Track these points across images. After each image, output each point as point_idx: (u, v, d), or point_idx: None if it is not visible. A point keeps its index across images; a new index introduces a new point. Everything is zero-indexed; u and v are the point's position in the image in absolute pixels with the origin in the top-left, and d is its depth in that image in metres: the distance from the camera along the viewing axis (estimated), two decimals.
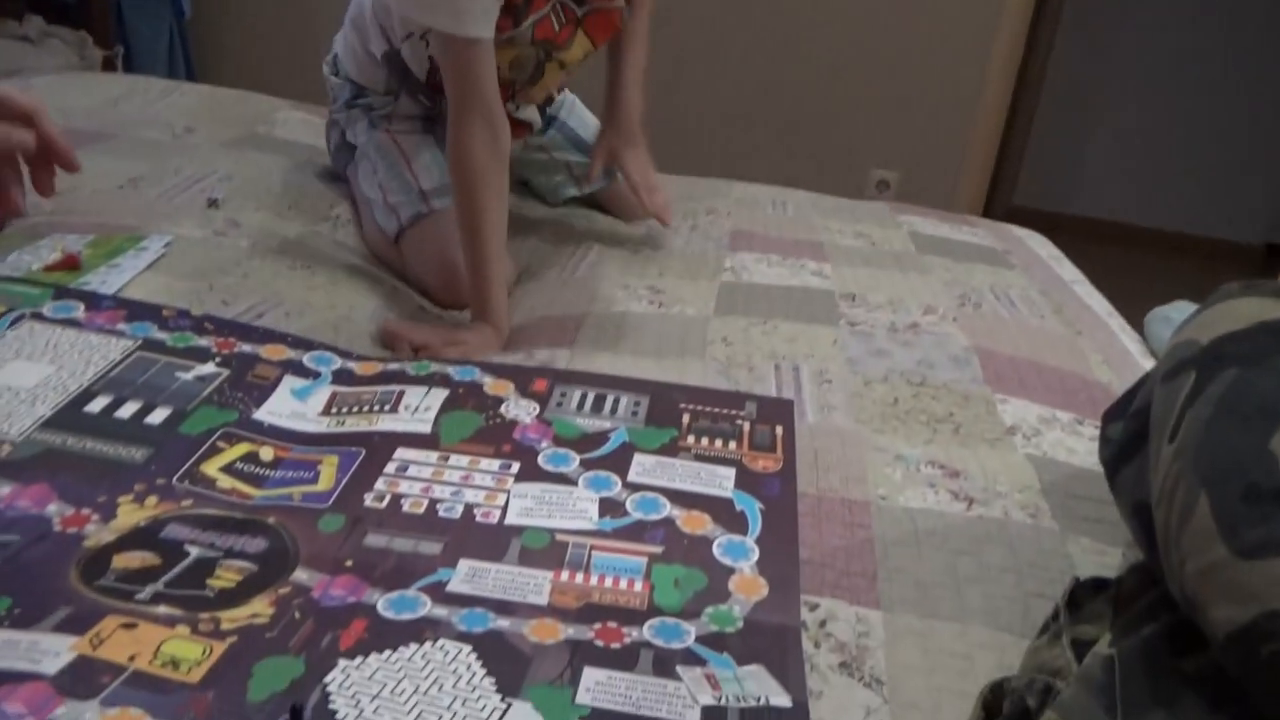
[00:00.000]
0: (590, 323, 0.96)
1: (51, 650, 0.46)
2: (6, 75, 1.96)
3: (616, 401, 0.76)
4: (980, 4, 2.57)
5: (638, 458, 0.69)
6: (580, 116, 1.34)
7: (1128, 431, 0.61)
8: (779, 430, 0.74)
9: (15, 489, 0.59)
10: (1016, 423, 0.84)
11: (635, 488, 0.66)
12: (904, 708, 0.53)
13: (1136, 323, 1.22)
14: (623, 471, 0.67)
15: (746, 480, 0.68)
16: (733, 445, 0.72)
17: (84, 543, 0.55)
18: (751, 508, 0.65)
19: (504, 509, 0.63)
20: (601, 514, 0.63)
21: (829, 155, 2.72)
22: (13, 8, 2.51)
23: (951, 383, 0.90)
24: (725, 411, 0.76)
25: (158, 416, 0.67)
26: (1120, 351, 1.06)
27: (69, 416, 0.66)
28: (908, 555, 0.65)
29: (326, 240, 1.13)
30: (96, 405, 0.67)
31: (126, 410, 0.67)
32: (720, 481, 0.67)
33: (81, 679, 0.46)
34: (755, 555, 0.61)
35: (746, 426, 0.74)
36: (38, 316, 0.76)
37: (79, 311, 0.78)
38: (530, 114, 1.24)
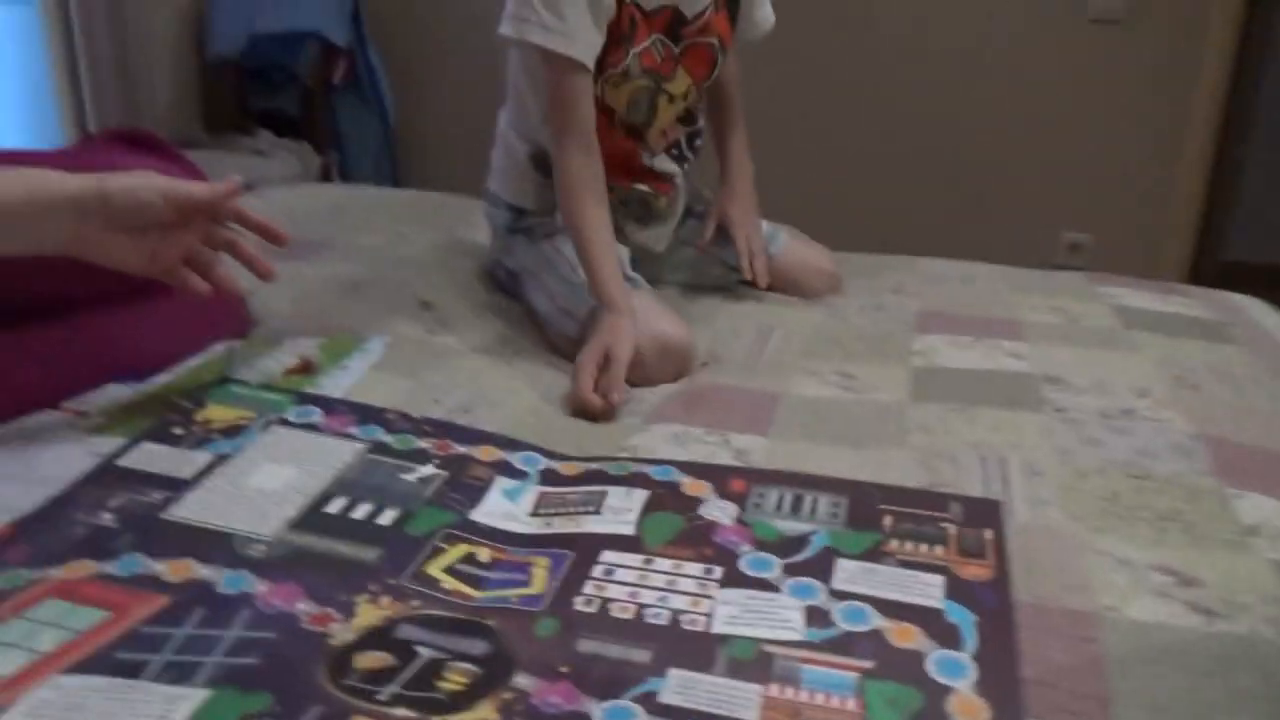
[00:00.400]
0: (784, 408, 0.96)
1: None
2: (245, 187, 2.21)
3: (815, 502, 0.75)
4: (1177, 43, 2.43)
5: (840, 563, 0.68)
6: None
7: None
8: (988, 534, 0.71)
9: (269, 587, 0.65)
10: (1257, 521, 0.77)
11: (840, 596, 0.65)
12: None
13: None
14: (826, 578, 0.67)
15: (957, 589, 0.65)
16: (939, 550, 0.69)
17: (329, 641, 0.60)
18: (965, 620, 0.62)
19: (710, 616, 0.63)
20: (808, 624, 0.62)
21: (1015, 218, 2.61)
22: (246, 124, 2.84)
23: (1176, 475, 0.83)
24: (929, 514, 0.74)
25: (387, 517, 0.73)
26: None
27: (312, 518, 0.72)
28: (1144, 676, 0.60)
29: (520, 339, 1.20)
30: (334, 506, 0.74)
31: (360, 511, 0.73)
32: (929, 590, 0.65)
33: None
34: (973, 674, 0.58)
35: (953, 530, 0.72)
36: (283, 422, 0.85)
37: (317, 416, 0.86)
38: (666, 165, 1.28)
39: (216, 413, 0.85)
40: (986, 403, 0.97)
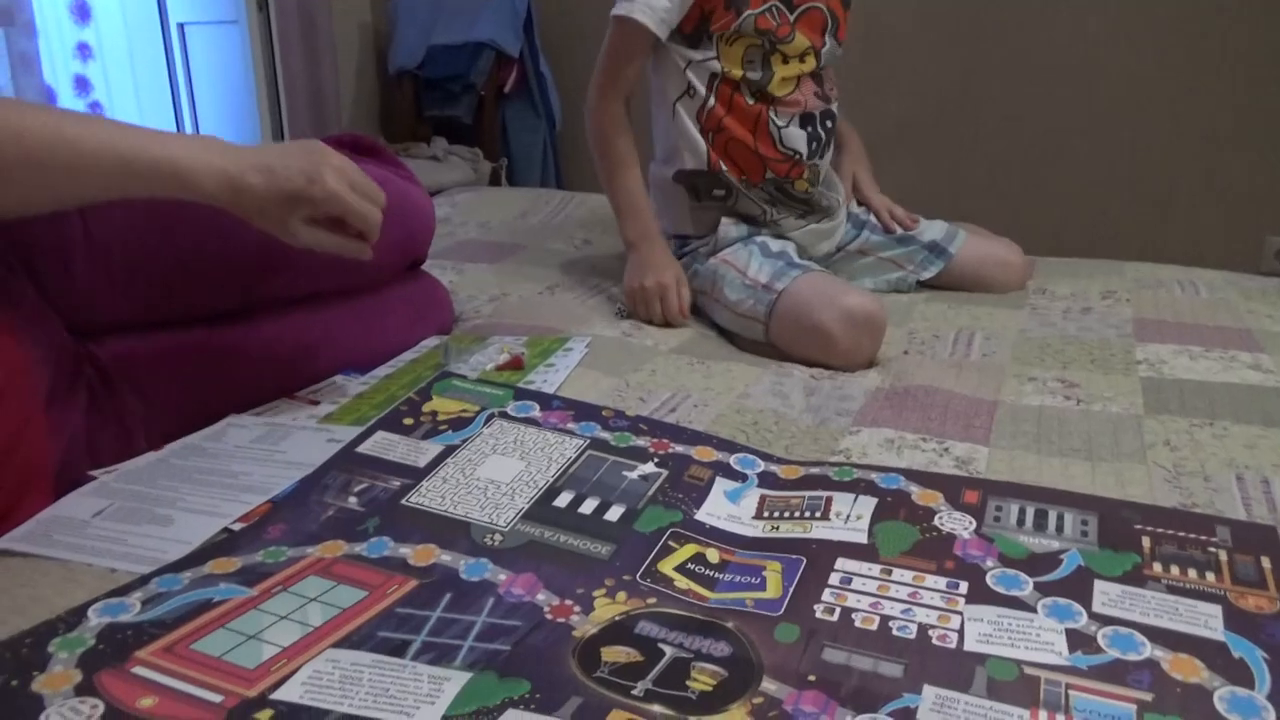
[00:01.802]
0: (1004, 416, 0.92)
1: None
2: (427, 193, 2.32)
3: (1061, 518, 0.71)
4: None
5: (1099, 585, 0.64)
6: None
7: None
8: (1265, 562, 0.65)
9: (510, 577, 0.66)
10: None
11: (1104, 620, 0.60)
12: None
13: None
14: (1085, 600, 0.62)
15: (1238, 621, 0.60)
16: (1211, 577, 0.64)
17: (572, 633, 0.61)
18: (1252, 655, 0.57)
19: (960, 632, 0.60)
20: (1071, 648, 0.58)
21: (1214, 221, 2.42)
22: (424, 132, 2.98)
23: None
24: (1194, 536, 0.68)
25: (614, 514, 0.73)
26: None
27: (542, 510, 0.74)
28: None
29: (713, 340, 1.19)
30: (562, 500, 0.75)
31: (587, 506, 0.74)
32: (1205, 620, 0.60)
33: None
34: (1270, 716, 0.53)
35: (1223, 556, 0.66)
36: (504, 415, 0.87)
37: (536, 411, 0.88)
38: (795, 138, 1.26)
39: (441, 405, 0.89)
40: (1235, 418, 0.89)
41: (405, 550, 0.69)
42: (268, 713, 0.52)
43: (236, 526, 0.72)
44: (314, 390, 0.97)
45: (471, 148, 2.89)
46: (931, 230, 1.36)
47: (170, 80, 3.28)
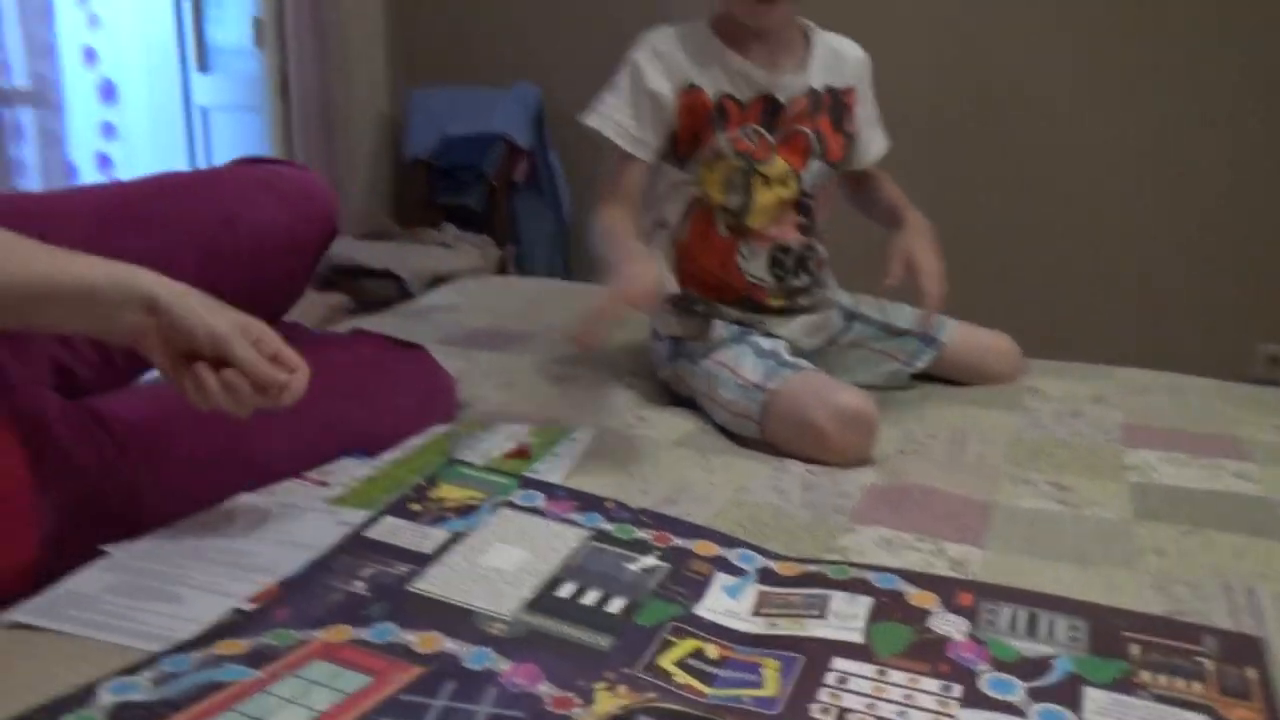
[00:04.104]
0: (999, 518, 0.94)
1: None
2: (435, 277, 2.39)
3: (1052, 623, 0.72)
4: None
5: (1089, 692, 0.65)
6: (876, 305, 1.40)
7: None
8: (1251, 674, 0.67)
9: (512, 666, 0.67)
10: None
11: None
12: None
13: None
14: (1075, 706, 0.63)
15: None
16: (1197, 687, 0.65)
17: None
18: None
19: None
20: None
21: (1203, 326, 2.47)
22: (434, 218, 3.06)
23: None
24: (1180, 645, 0.70)
25: (615, 606, 0.75)
26: None
27: (545, 600, 0.75)
28: None
29: (713, 434, 1.22)
30: (565, 591, 0.77)
31: (589, 597, 0.76)
32: None
33: None
34: None
35: (1210, 665, 0.67)
36: (510, 504, 0.89)
37: (541, 500, 0.90)
38: (760, 271, 1.26)
39: (448, 491, 0.91)
40: (1221, 527, 0.91)
41: (410, 637, 0.70)
42: None
43: (248, 607, 0.73)
44: (323, 472, 0.99)
45: (481, 234, 2.97)
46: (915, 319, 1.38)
47: (190, 162, 3.38)
